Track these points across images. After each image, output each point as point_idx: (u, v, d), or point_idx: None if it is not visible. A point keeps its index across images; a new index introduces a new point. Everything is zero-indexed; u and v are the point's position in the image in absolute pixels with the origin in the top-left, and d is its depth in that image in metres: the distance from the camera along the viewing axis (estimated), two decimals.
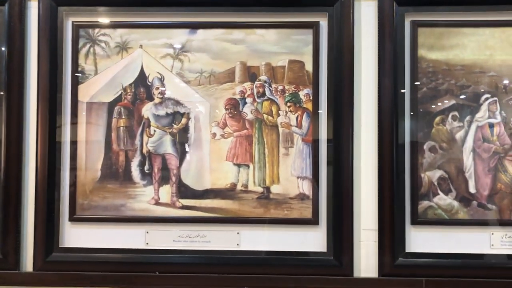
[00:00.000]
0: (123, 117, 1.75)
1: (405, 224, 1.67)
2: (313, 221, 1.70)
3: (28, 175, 1.74)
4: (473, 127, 1.69)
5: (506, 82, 1.69)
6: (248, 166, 1.74)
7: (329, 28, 1.70)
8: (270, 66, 1.74)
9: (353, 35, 1.69)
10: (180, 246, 1.72)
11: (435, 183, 1.69)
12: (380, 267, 1.67)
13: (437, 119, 1.70)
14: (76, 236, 1.74)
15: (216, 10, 1.73)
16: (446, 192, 1.69)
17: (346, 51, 1.69)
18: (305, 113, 1.73)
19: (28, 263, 1.74)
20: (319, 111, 1.71)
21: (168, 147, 1.76)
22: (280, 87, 1.74)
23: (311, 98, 1.72)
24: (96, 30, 1.76)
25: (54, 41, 1.73)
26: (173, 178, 1.74)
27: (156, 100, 1.76)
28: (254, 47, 1.74)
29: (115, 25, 1.76)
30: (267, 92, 1.75)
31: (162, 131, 1.76)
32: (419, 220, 1.68)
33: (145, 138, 1.76)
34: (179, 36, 1.75)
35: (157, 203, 1.74)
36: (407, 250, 1.67)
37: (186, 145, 1.75)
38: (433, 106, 1.70)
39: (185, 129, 1.75)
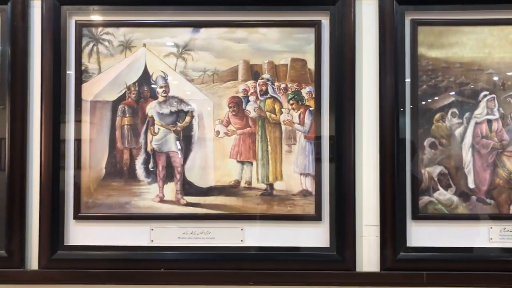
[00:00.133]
0: (127, 115, 1.76)
1: (406, 219, 1.69)
2: (316, 217, 1.71)
3: (32, 174, 1.74)
4: (472, 123, 1.72)
5: (504, 79, 1.71)
6: (251, 163, 1.75)
7: (331, 27, 1.72)
8: (273, 65, 1.76)
9: (354, 34, 1.71)
10: (185, 243, 1.73)
11: (435, 179, 1.71)
12: (382, 262, 1.69)
13: (437, 116, 1.72)
14: (81, 234, 1.75)
15: (219, 9, 1.74)
16: (446, 187, 1.71)
17: (348, 49, 1.70)
18: (308, 110, 1.74)
19: (33, 261, 1.74)
20: (321, 109, 1.73)
21: (172, 145, 1.76)
22: (283, 85, 1.75)
23: (313, 95, 1.74)
24: (100, 29, 1.76)
25: (57, 40, 1.73)
26: (178, 176, 1.75)
27: (160, 99, 1.76)
28: (256, 46, 1.75)
29: (118, 24, 1.76)
30: (270, 90, 1.76)
31: (166, 129, 1.76)
32: (419, 215, 1.70)
33: (149, 136, 1.76)
34: (182, 35, 1.76)
35: (162, 200, 1.75)
36: (408, 245, 1.69)
37: (190, 143, 1.76)
38: (433, 103, 1.72)
39: (189, 127, 1.76)
